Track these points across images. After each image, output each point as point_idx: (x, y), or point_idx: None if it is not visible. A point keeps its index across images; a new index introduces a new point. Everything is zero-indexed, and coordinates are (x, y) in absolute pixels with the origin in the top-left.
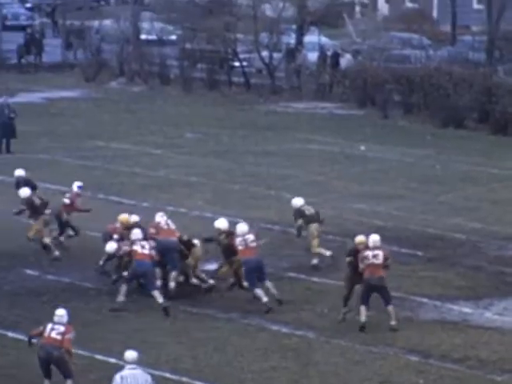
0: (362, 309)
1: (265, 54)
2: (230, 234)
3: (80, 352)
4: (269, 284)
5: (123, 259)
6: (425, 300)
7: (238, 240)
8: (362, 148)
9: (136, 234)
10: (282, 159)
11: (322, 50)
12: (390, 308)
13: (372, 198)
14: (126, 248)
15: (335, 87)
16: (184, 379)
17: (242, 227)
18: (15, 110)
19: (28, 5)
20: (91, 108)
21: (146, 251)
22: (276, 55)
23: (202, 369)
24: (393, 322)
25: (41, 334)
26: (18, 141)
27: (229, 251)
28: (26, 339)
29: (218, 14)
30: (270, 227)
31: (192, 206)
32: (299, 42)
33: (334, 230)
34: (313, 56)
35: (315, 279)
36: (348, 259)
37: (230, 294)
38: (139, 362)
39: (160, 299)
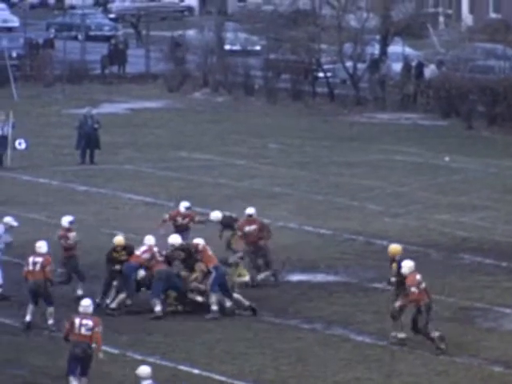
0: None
1: (349, 64)
2: None
3: (163, 363)
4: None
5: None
6: (508, 311)
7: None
8: (447, 159)
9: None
10: (366, 170)
11: (406, 60)
12: None
13: (456, 208)
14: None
15: (419, 98)
16: None
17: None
18: (99, 120)
19: (112, 15)
20: (175, 118)
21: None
22: (360, 66)
23: (285, 380)
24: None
25: (71, 331)
26: (101, 151)
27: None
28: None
29: (302, 24)
30: (354, 238)
31: (276, 216)
32: (383, 52)
33: (417, 241)
34: (397, 66)
35: None
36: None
37: (314, 304)
38: (223, 373)
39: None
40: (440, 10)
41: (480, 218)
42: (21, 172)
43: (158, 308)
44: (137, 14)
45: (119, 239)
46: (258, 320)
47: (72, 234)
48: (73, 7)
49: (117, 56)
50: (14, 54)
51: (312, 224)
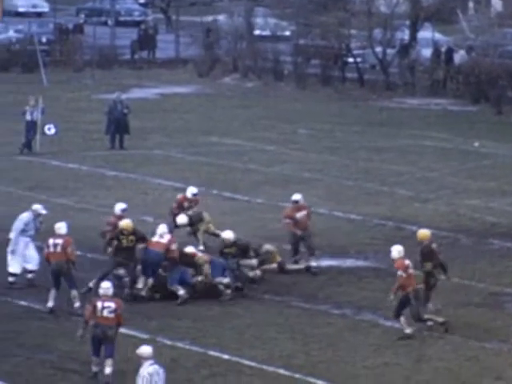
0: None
1: (378, 49)
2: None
3: (193, 348)
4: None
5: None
6: None
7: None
8: (476, 144)
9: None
10: (396, 155)
11: (435, 45)
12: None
13: (486, 193)
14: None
15: (449, 83)
16: (297, 375)
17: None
18: (128, 105)
19: (141, 0)
20: (204, 104)
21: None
22: (390, 51)
23: (315, 365)
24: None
25: (93, 314)
26: (131, 137)
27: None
28: (83, 325)
29: (332, 9)
30: (384, 223)
31: (306, 202)
32: (413, 37)
33: (447, 226)
34: (426, 52)
35: None
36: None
37: (343, 290)
38: (253, 358)
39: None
40: None
41: (509, 204)
42: (50, 157)
43: (181, 292)
44: None
45: (127, 223)
46: (288, 305)
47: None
48: None
49: (146, 41)
50: (44, 40)
51: (342, 209)
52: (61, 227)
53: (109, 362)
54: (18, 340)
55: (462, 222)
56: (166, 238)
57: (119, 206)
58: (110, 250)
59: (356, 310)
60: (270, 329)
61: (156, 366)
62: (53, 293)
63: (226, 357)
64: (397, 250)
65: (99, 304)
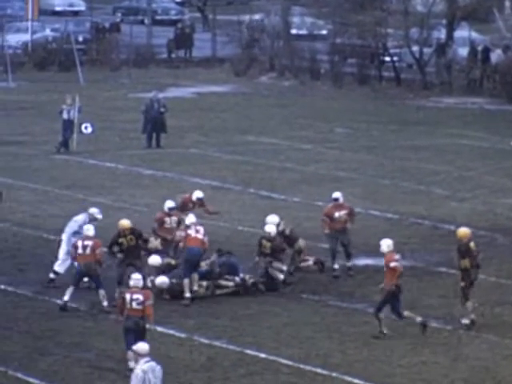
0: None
1: (415, 48)
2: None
3: (230, 347)
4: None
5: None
6: None
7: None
8: None
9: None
10: (432, 154)
11: (472, 45)
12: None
13: None
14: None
15: (485, 82)
16: (334, 374)
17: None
18: (165, 104)
19: None
20: (241, 102)
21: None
22: (426, 50)
23: (351, 364)
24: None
25: (124, 307)
26: (167, 135)
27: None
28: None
29: (368, 8)
30: (420, 222)
31: (342, 200)
32: (449, 36)
33: (485, 225)
34: (463, 51)
35: None
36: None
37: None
38: (290, 357)
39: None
40: None
41: None
42: (87, 156)
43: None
44: None
45: (123, 222)
46: (325, 304)
47: (173, 219)
48: None
49: (183, 40)
50: (81, 38)
51: (378, 208)
52: (89, 229)
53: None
54: (55, 338)
55: (498, 221)
56: (201, 232)
57: (169, 204)
58: (118, 255)
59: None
60: (306, 328)
61: (152, 364)
62: (71, 289)
63: (262, 355)
64: (386, 244)
65: (128, 296)
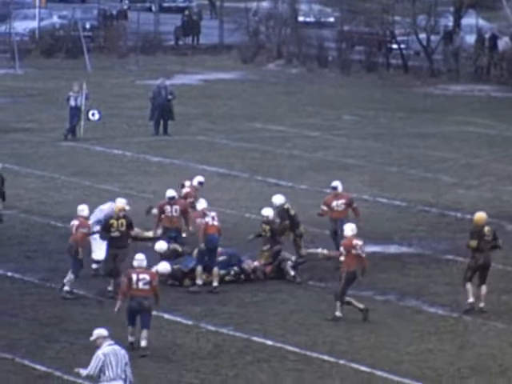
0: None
1: (422, 36)
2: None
3: (237, 334)
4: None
5: None
6: None
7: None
8: None
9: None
10: (440, 142)
11: (479, 32)
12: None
13: None
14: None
15: (493, 70)
16: (341, 361)
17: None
18: (173, 91)
19: None
20: (248, 90)
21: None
22: (434, 38)
23: (358, 351)
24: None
25: (129, 288)
26: (175, 123)
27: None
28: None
29: None
30: (427, 209)
31: (350, 188)
32: (457, 24)
33: (491, 213)
34: (470, 39)
35: None
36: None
37: (387, 276)
38: (297, 344)
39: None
40: None
41: None
42: (94, 143)
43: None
44: None
45: (120, 202)
46: (331, 291)
47: (175, 207)
48: None
49: (190, 27)
50: (88, 26)
51: (385, 196)
52: (83, 209)
53: (144, 333)
54: (61, 325)
55: (505, 208)
56: (216, 218)
57: (169, 193)
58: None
59: (400, 296)
60: (313, 315)
61: (115, 347)
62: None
63: (269, 343)
64: (349, 228)
65: (134, 276)
